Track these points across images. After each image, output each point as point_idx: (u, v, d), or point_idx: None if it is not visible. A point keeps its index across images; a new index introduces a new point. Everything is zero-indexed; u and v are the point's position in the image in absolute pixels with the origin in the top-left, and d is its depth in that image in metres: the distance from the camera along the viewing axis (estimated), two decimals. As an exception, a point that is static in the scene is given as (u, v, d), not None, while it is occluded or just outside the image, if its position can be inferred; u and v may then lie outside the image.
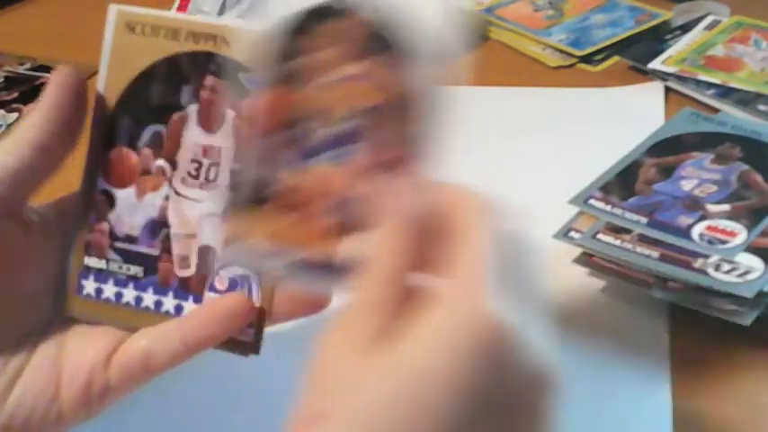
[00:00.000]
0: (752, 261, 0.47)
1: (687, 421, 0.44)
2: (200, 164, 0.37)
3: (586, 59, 0.77)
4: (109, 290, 0.38)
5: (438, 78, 0.29)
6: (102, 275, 0.38)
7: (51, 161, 0.36)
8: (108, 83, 0.38)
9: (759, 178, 0.54)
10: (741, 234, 0.49)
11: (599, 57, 0.77)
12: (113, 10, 0.38)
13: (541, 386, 0.29)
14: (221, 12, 0.87)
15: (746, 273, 0.47)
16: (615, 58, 0.77)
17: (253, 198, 0.32)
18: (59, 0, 0.97)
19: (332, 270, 0.32)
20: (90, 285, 0.38)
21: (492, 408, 0.28)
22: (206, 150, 0.37)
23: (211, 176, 0.37)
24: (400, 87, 0.28)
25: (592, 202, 0.52)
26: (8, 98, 0.77)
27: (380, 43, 0.29)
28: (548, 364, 0.29)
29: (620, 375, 0.47)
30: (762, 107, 0.66)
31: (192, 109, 0.37)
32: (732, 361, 0.48)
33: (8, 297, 0.36)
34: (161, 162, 0.38)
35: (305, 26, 0.30)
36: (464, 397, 0.27)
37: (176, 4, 0.88)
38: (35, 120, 0.36)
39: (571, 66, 0.77)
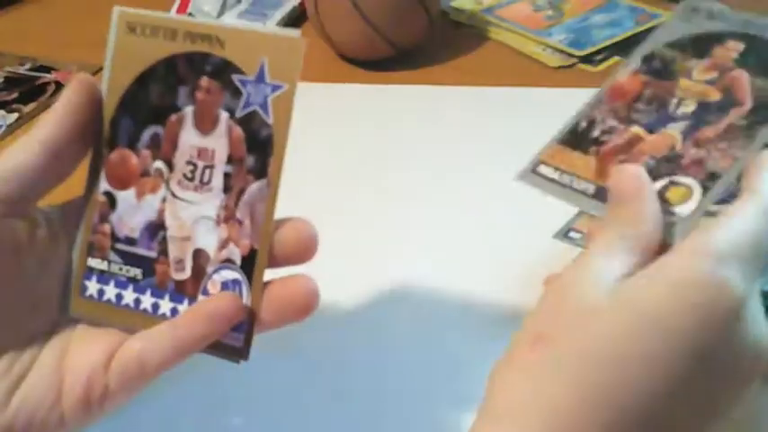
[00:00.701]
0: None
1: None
2: (195, 166, 0.37)
3: (586, 59, 0.77)
4: (110, 291, 0.38)
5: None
6: (103, 277, 0.38)
7: (63, 164, 0.37)
8: (110, 84, 0.38)
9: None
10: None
11: (599, 57, 0.77)
12: (116, 12, 0.38)
13: (758, 366, 0.31)
14: (221, 12, 0.87)
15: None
16: (615, 59, 0.77)
17: (585, 139, 0.41)
18: (59, 0, 0.97)
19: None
20: (93, 286, 0.38)
21: (713, 371, 0.30)
22: (200, 152, 0.37)
23: (205, 179, 0.37)
24: (743, 95, 0.39)
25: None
26: (8, 98, 0.77)
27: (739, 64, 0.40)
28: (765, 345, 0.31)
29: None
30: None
31: (189, 110, 0.37)
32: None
33: (15, 299, 0.36)
34: (159, 164, 0.38)
35: (691, 46, 0.42)
36: (685, 344, 0.29)
37: (177, 4, 0.88)
38: (48, 123, 0.36)
39: (571, 66, 0.77)
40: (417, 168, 0.64)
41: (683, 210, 0.36)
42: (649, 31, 0.85)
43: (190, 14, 0.85)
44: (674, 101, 0.40)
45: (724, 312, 0.30)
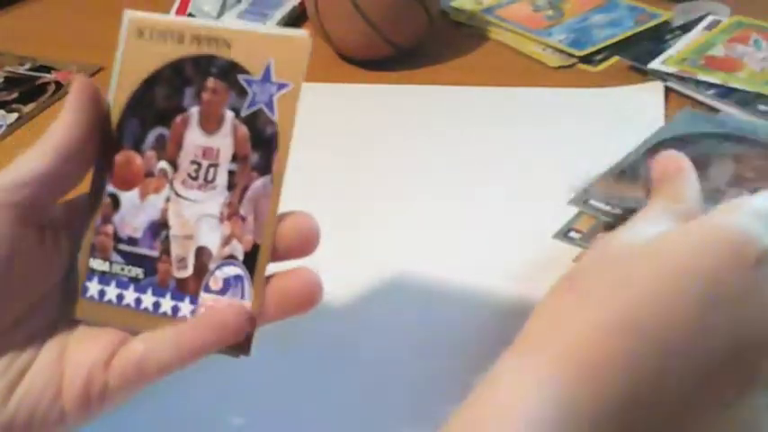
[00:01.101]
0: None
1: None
2: (200, 165, 0.37)
3: (586, 59, 0.77)
4: (111, 292, 0.38)
5: None
6: (105, 278, 0.38)
7: (75, 168, 0.37)
8: (118, 87, 0.38)
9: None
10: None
11: (599, 57, 0.77)
12: (126, 16, 0.39)
13: None
14: (221, 12, 0.87)
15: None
16: (615, 58, 0.77)
17: (630, 177, 0.47)
18: (59, 0, 0.97)
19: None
20: (94, 287, 0.38)
21: (729, 314, 0.32)
22: (205, 151, 0.37)
23: (210, 177, 0.37)
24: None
25: (592, 202, 0.52)
26: (8, 98, 0.77)
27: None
28: None
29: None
30: (762, 107, 0.66)
31: (194, 111, 0.37)
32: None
33: (18, 300, 0.37)
34: (163, 164, 0.38)
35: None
36: (705, 285, 0.32)
37: (177, 5, 0.88)
38: (57, 129, 0.37)
39: (571, 66, 0.77)
40: (417, 168, 0.64)
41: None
42: (649, 31, 0.85)
43: (190, 14, 0.85)
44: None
45: (749, 261, 0.32)
